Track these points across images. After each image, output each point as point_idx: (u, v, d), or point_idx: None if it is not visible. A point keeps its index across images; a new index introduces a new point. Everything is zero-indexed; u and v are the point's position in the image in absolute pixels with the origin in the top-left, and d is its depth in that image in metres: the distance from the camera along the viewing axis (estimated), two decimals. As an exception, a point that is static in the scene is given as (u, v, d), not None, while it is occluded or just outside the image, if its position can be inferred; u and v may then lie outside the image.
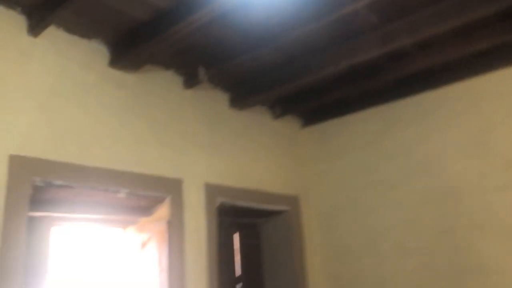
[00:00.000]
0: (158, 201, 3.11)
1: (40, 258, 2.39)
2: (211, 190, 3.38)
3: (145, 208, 3.15)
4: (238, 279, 3.95)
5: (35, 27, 2.56)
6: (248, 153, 3.84)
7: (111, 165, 2.79)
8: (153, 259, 2.98)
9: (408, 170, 3.75)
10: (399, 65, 3.38)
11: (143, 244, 3.05)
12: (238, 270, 4.03)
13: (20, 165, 2.37)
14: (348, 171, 4.13)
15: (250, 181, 3.76)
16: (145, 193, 2.93)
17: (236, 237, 4.08)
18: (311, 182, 4.38)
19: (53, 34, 2.69)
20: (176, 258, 2.96)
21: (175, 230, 3.02)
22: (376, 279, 3.77)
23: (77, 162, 2.63)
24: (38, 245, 2.41)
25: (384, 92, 3.88)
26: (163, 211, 3.10)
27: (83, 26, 2.76)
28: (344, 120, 4.24)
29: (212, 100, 3.65)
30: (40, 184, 2.44)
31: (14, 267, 2.19)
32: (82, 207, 2.79)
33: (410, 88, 3.78)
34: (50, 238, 2.53)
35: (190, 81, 3.38)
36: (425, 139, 3.70)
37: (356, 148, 4.12)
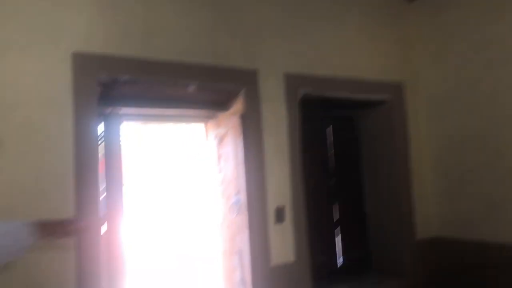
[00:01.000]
0: (233, 94, 2.96)
1: (112, 154, 2.50)
2: (292, 81, 3.09)
3: (222, 103, 3.04)
4: (332, 175, 3.76)
5: None
6: (338, 37, 3.37)
7: (179, 58, 2.68)
8: (229, 153, 2.93)
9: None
10: None
11: (221, 139, 3.00)
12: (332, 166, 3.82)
13: (84, 63, 2.38)
14: (466, 51, 3.39)
15: (341, 69, 3.34)
16: (217, 86, 2.79)
17: (330, 131, 3.80)
18: (420, 66, 3.75)
19: None
20: (253, 152, 2.86)
21: (250, 124, 2.88)
22: (493, 176, 3.21)
23: (142, 56, 2.57)
24: (110, 141, 2.51)
25: None
26: (238, 104, 2.96)
27: None
28: (463, -14, 3.40)
29: (291, -23, 3.18)
30: (106, 81, 2.46)
31: (88, 163, 2.31)
32: (153, 103, 2.79)
33: None
34: (121, 134, 2.60)
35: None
36: None
37: (477, 22, 3.31)
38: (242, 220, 2.83)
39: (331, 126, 3.77)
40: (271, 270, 2.85)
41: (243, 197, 2.82)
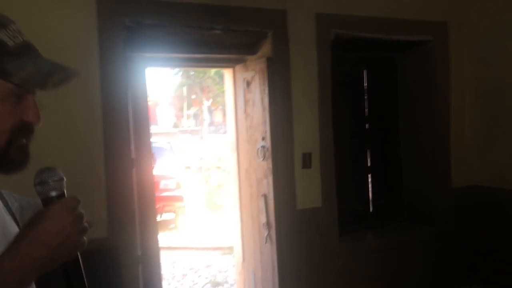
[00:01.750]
0: (261, 37, 2.87)
1: (138, 99, 2.53)
2: (324, 21, 2.94)
3: (249, 46, 2.96)
4: (367, 119, 3.65)
5: None
6: (375, -28, 3.12)
7: (203, 0, 2.60)
8: (256, 98, 2.89)
9: None
10: None
11: (248, 83, 2.96)
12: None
13: (108, 6, 2.37)
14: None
15: (378, 7, 3.13)
16: (242, 28, 2.71)
17: (364, 75, 3.64)
18: (466, 4, 3.44)
19: None
20: (280, 96, 2.80)
21: (278, 67, 2.80)
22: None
23: (166, -1, 2.52)
24: (135, 86, 2.53)
25: None
26: (266, 47, 2.87)
27: None
28: None
29: None
30: (130, 24, 2.44)
31: (115, 106, 2.36)
32: (178, 47, 2.76)
33: None
34: (146, 78, 2.62)
35: None
36: None
37: None
38: (267, 164, 2.84)
39: (365, 69, 3.60)
40: (297, 214, 2.89)
41: (268, 142, 2.81)
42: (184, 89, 25.04)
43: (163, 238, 6.57)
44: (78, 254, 0.82)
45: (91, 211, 2.32)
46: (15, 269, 0.72)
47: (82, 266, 0.84)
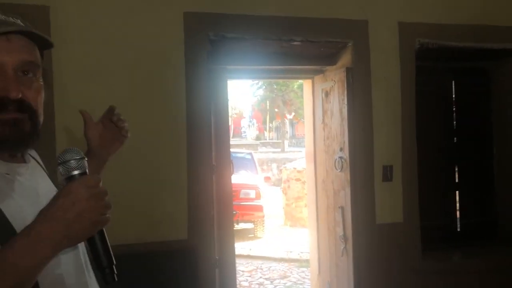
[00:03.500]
0: (341, 47, 2.86)
1: (219, 110, 2.64)
2: (407, 30, 2.85)
3: (329, 56, 2.96)
4: (455, 132, 3.44)
5: None
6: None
7: (283, 12, 2.66)
8: (334, 108, 2.87)
9: None
10: None
11: (327, 94, 2.95)
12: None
13: (194, 21, 2.53)
14: None
15: (464, 15, 2.95)
16: (322, 39, 2.72)
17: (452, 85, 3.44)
18: None
19: None
20: (360, 107, 2.76)
21: (358, 77, 2.77)
22: None
23: (248, 13, 2.62)
24: (217, 97, 2.65)
25: None
26: (346, 58, 2.85)
27: None
28: None
29: None
30: (214, 38, 2.57)
31: (199, 115, 2.49)
32: (259, 59, 2.84)
33: None
34: (227, 89, 2.72)
35: None
36: None
37: None
38: (344, 176, 2.80)
39: (453, 79, 3.40)
40: (375, 228, 2.80)
41: (346, 153, 2.77)
42: (267, 102, 25.51)
43: (242, 247, 6.70)
44: (104, 230, 0.82)
45: (174, 213, 2.48)
46: (30, 245, 0.72)
47: (108, 244, 0.82)
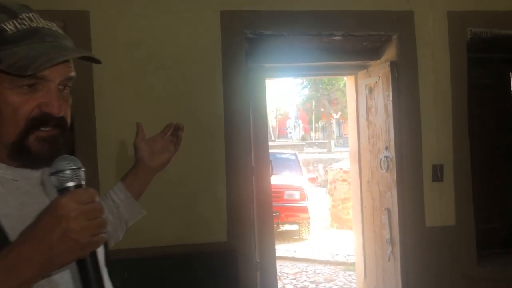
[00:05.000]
0: (384, 41, 2.71)
1: (257, 109, 2.58)
2: (457, 19, 2.67)
3: (372, 51, 2.82)
4: (513, 129, 3.18)
5: None
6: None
7: (322, 7, 2.56)
8: (379, 105, 2.73)
9: None
10: None
11: (371, 90, 2.81)
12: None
13: (231, 20, 2.48)
14: None
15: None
16: (364, 32, 2.60)
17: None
18: None
19: None
20: (406, 103, 2.61)
21: (403, 72, 2.62)
22: None
23: (286, 9, 2.54)
24: (255, 96, 2.58)
25: None
26: (390, 51, 2.70)
27: None
28: None
29: None
30: (251, 36, 2.52)
31: (237, 114, 2.45)
32: (298, 56, 2.75)
33: None
34: (265, 88, 2.65)
35: None
36: None
37: None
38: (391, 176, 2.65)
39: (510, 71, 3.15)
40: (425, 232, 2.63)
41: (392, 152, 2.63)
42: (313, 102, 25.19)
43: (286, 249, 6.61)
44: (96, 253, 0.71)
45: (213, 215, 2.44)
46: (8, 267, 0.65)
47: (99, 265, 0.73)
